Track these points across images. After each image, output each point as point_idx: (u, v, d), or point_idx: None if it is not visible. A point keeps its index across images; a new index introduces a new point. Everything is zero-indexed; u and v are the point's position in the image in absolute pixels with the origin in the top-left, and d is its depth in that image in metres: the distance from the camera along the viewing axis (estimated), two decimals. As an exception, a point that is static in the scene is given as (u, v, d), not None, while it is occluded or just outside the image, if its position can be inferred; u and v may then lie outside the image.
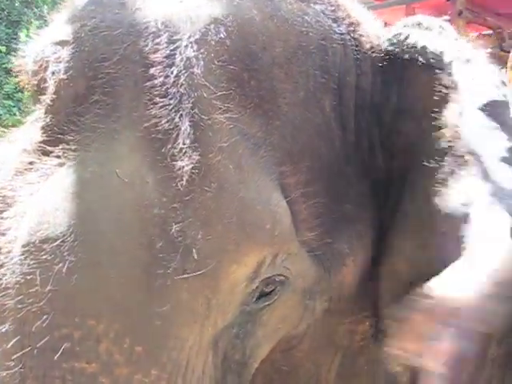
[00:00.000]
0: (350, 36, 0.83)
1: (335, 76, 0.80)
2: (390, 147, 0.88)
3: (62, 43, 0.78)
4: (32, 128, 0.81)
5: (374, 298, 0.87)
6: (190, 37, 0.74)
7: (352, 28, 0.85)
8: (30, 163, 0.75)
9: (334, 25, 0.82)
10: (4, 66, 13.22)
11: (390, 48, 0.88)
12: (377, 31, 0.92)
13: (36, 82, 0.84)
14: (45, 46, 0.82)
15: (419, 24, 1.23)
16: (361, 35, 0.86)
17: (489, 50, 1.48)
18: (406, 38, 0.88)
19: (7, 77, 13.46)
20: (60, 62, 0.77)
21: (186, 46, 0.74)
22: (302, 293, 0.78)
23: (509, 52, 1.52)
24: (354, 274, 0.83)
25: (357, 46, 0.84)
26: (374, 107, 0.86)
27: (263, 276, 0.72)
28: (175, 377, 0.66)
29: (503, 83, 1.07)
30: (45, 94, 0.80)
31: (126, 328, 0.65)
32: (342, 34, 0.81)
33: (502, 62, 1.55)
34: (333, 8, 0.84)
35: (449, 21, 1.12)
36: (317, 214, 0.78)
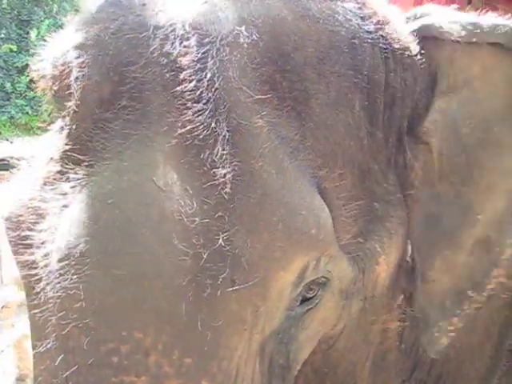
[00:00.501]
0: (378, 34, 0.83)
1: (365, 74, 0.80)
2: (416, 150, 0.89)
3: (84, 47, 0.76)
4: (57, 136, 0.78)
5: (406, 295, 0.90)
6: (222, 39, 0.71)
7: (379, 26, 0.85)
8: (60, 172, 0.73)
9: (363, 23, 0.81)
10: (15, 65, 13.31)
11: (418, 43, 0.88)
12: (403, 27, 0.92)
13: (56, 88, 0.81)
14: (65, 50, 0.78)
15: (428, 14, 1.23)
16: (388, 33, 0.86)
17: None
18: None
19: (19, 76, 13.58)
20: (83, 66, 0.74)
21: (219, 49, 0.71)
22: (340, 294, 0.79)
23: None
24: (387, 273, 0.83)
25: (385, 43, 0.84)
26: (402, 104, 0.86)
27: (307, 280, 0.72)
28: None
29: None
30: (66, 99, 0.77)
31: (175, 339, 0.64)
32: (370, 32, 0.82)
33: None
34: (359, 5, 0.84)
35: (458, 9, 1.11)
36: (351, 215, 0.78)
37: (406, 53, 0.86)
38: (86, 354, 0.64)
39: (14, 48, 12.71)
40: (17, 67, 13.58)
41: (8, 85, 13.35)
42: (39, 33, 13.13)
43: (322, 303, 0.76)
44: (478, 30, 0.89)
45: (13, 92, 13.51)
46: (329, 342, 0.81)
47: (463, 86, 0.89)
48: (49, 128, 0.87)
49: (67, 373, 0.64)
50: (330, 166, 0.76)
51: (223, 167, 0.67)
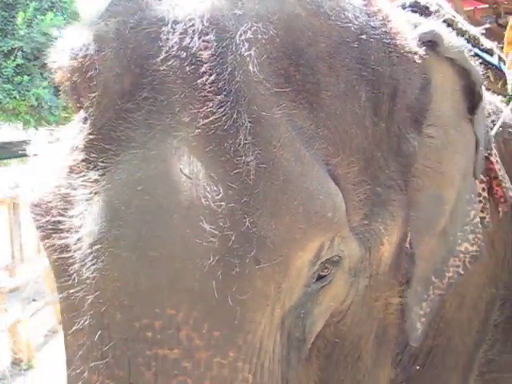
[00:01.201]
0: (382, 29, 0.88)
1: (370, 68, 0.85)
2: (418, 127, 0.96)
3: (105, 40, 0.78)
4: (80, 125, 0.80)
5: (406, 274, 0.97)
6: (241, 35, 0.74)
7: (384, 22, 0.90)
8: (86, 161, 0.76)
9: (369, 19, 0.86)
10: (1, 49, 13.12)
11: (418, 42, 0.96)
12: (405, 23, 1.00)
13: (77, 79, 0.83)
14: (85, 43, 0.80)
15: (417, 2, 1.28)
16: (391, 28, 0.91)
17: (486, 26, 1.50)
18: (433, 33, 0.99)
19: (5, 60, 13.39)
20: (105, 59, 0.77)
21: (238, 45, 0.74)
22: (349, 272, 0.84)
23: (505, 27, 1.53)
24: (389, 252, 0.90)
25: (388, 38, 0.89)
26: (404, 95, 0.92)
27: (323, 258, 0.77)
28: (250, 357, 0.71)
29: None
30: (86, 90, 0.80)
31: (205, 315, 0.69)
32: (375, 27, 0.86)
33: (498, 37, 1.55)
34: (365, 3, 0.88)
35: None
36: (360, 199, 0.83)
37: (406, 48, 0.92)
38: (122, 330, 0.69)
39: (0, 33, 12.54)
40: (3, 51, 13.39)
41: (-5, 70, 13.19)
42: (25, 16, 12.94)
43: (334, 280, 0.82)
44: (448, 45, 1.00)
45: (-1, 77, 13.35)
46: (338, 317, 0.87)
47: (435, 91, 1.00)
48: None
49: (104, 348, 0.69)
50: (341, 154, 0.81)
51: (246, 156, 0.71)
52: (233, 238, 0.68)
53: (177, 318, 0.68)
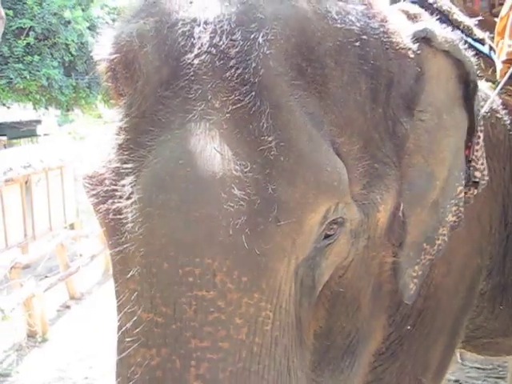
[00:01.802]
0: (380, 29, 1.02)
1: (370, 62, 0.98)
2: (410, 112, 1.10)
3: (146, 38, 0.91)
4: (125, 110, 0.93)
5: (399, 237, 1.11)
6: (263, 36, 0.88)
7: (382, 23, 1.03)
8: (132, 139, 0.89)
9: (369, 21, 1.00)
10: (12, 28, 13.16)
11: (412, 39, 1.10)
12: (400, 23, 1.14)
13: (117, 70, 0.96)
14: (127, 39, 0.94)
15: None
16: (388, 29, 1.04)
17: (479, 18, 1.57)
18: (424, 31, 1.12)
19: (16, 40, 13.45)
20: (147, 54, 0.90)
21: (261, 44, 0.88)
22: (350, 233, 0.98)
23: (497, 17, 1.60)
24: (384, 218, 1.04)
25: (386, 37, 1.03)
26: (398, 85, 1.06)
27: (329, 220, 0.91)
28: (271, 299, 0.86)
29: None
30: (129, 80, 0.94)
31: (235, 263, 0.83)
32: (375, 28, 1.00)
33: (491, 27, 1.61)
34: (367, 6, 1.02)
35: None
36: (360, 173, 0.97)
37: (401, 45, 1.06)
38: (168, 277, 0.83)
39: (11, 12, 12.56)
40: (13, 31, 13.42)
41: (5, 49, 13.23)
42: (34, -5, 12.96)
43: (338, 239, 0.95)
44: (441, 40, 1.13)
45: (10, 56, 13.40)
46: (341, 271, 1.01)
47: (429, 80, 1.13)
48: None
49: (152, 291, 0.83)
50: (344, 134, 0.95)
51: (268, 136, 0.85)
52: (258, 202, 0.83)
53: (213, 266, 0.82)
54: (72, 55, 16.24)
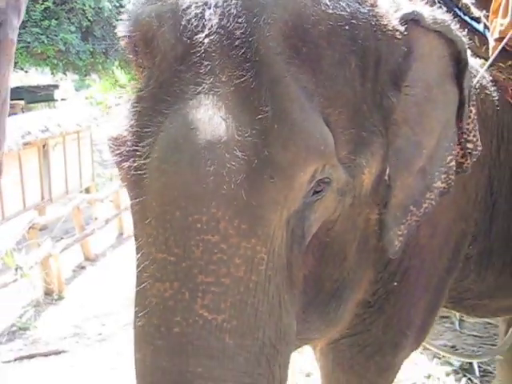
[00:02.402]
0: (370, 13, 1.12)
1: (359, 43, 1.10)
2: (397, 98, 1.21)
3: (163, 18, 1.04)
4: (145, 82, 1.07)
5: (383, 198, 1.23)
6: (264, 19, 1.00)
7: (371, 8, 1.13)
8: (151, 107, 1.03)
9: (359, 6, 1.10)
10: (30, -8, 13.15)
11: (399, 20, 1.20)
12: (389, 6, 1.22)
13: (138, 46, 1.10)
14: (146, 20, 1.07)
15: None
16: (377, 12, 1.15)
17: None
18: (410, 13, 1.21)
19: (33, 4, 13.46)
20: (164, 33, 1.03)
21: (262, 27, 1.00)
22: (337, 191, 1.10)
23: None
24: (369, 180, 1.16)
25: (374, 20, 1.13)
26: (386, 63, 1.17)
27: (317, 179, 1.03)
28: (266, 243, 0.99)
29: None
30: (148, 55, 1.07)
31: (236, 213, 0.96)
32: (364, 13, 1.11)
33: (488, 5, 1.66)
34: None
35: None
36: (346, 139, 1.08)
37: (389, 27, 1.16)
38: (179, 223, 0.97)
39: (28, -26, 12.56)
40: (31, -5, 13.43)
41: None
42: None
43: (326, 196, 1.08)
44: (431, 21, 1.23)
45: (28, 20, 13.42)
46: (329, 225, 1.14)
47: (420, 58, 1.23)
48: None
49: (166, 235, 0.97)
50: (333, 106, 1.06)
51: (266, 106, 0.98)
52: (255, 162, 0.96)
53: (217, 214, 0.96)
54: (89, 20, 16.23)
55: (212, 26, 1.01)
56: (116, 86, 26.73)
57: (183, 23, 1.02)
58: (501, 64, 1.65)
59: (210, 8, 1.02)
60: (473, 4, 1.71)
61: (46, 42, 14.34)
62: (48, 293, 5.51)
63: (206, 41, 1.00)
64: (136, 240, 1.04)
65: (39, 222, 5.80)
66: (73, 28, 15.68)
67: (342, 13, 1.06)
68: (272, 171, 0.96)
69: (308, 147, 0.98)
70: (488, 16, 1.68)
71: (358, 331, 1.57)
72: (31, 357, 4.37)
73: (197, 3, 1.03)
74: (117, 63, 20.58)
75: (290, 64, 1.01)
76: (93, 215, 7.83)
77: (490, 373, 3.30)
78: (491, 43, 1.64)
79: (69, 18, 15.61)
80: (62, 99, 14.42)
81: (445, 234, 1.60)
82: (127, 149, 1.03)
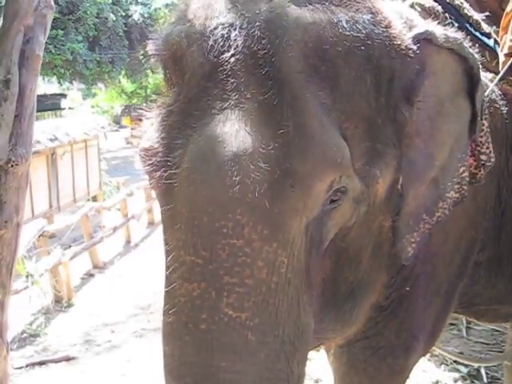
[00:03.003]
0: (384, 34, 1.19)
1: (374, 62, 1.16)
2: (409, 112, 1.27)
3: (192, 39, 1.12)
4: (174, 97, 1.14)
5: (396, 206, 1.29)
6: (286, 41, 1.07)
7: (386, 29, 1.20)
8: (180, 121, 1.10)
9: (374, 28, 1.17)
10: None
11: (412, 39, 1.25)
12: (402, 26, 1.27)
13: (168, 64, 1.19)
14: (176, 39, 1.15)
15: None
16: (391, 33, 1.21)
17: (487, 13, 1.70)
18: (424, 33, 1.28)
19: None
20: (193, 52, 1.11)
21: (284, 48, 1.07)
22: (353, 200, 1.16)
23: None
24: (383, 189, 1.22)
25: (389, 41, 1.20)
26: (399, 80, 1.23)
27: (334, 188, 1.10)
28: (286, 248, 1.06)
29: None
30: (178, 72, 1.15)
31: (259, 219, 1.03)
32: (379, 33, 1.18)
33: (499, 21, 1.72)
34: (372, 14, 1.19)
35: None
36: (362, 151, 1.14)
37: (402, 46, 1.23)
38: (207, 228, 1.04)
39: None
40: None
41: (31, 23, 13.39)
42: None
43: (342, 204, 1.14)
44: (444, 39, 1.30)
45: None
46: (345, 231, 1.21)
47: (433, 75, 1.30)
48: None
49: (195, 239, 1.04)
50: (350, 120, 1.13)
51: (287, 121, 1.04)
52: (277, 172, 1.03)
53: (242, 221, 1.03)
54: (96, 30, 16.39)
55: (237, 46, 1.08)
56: (122, 95, 26.97)
57: (210, 43, 1.09)
58: (510, 78, 1.70)
59: (235, 29, 1.09)
60: (483, 20, 1.77)
61: (53, 51, 14.48)
62: (58, 300, 5.57)
63: (232, 60, 1.07)
64: (166, 244, 1.11)
65: (49, 230, 5.86)
66: (80, 37, 15.83)
67: (358, 34, 1.13)
68: (292, 181, 1.03)
69: (325, 159, 1.05)
70: (498, 32, 1.74)
71: (371, 334, 1.63)
72: (42, 363, 4.41)
73: (223, 24, 1.10)
74: (123, 72, 20.75)
75: (310, 82, 1.08)
76: (100, 223, 7.89)
77: (498, 379, 3.33)
78: (501, 58, 1.70)
79: (76, 28, 15.76)
80: (70, 108, 14.53)
81: (455, 242, 1.66)
82: (158, 159, 1.10)
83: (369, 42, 1.15)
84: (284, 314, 1.06)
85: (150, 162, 1.12)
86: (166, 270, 1.09)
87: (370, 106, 1.17)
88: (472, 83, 1.36)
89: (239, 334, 1.02)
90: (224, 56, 1.08)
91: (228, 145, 1.03)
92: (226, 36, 1.09)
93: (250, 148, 1.02)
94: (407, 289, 1.58)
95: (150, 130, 1.15)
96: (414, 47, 1.24)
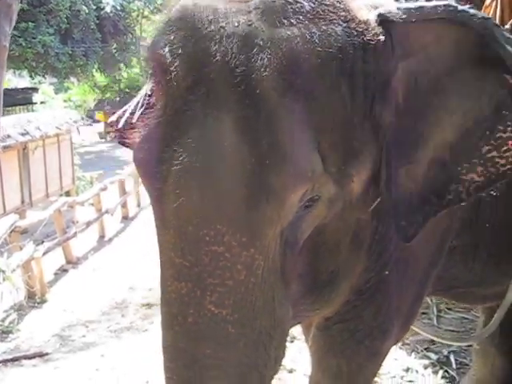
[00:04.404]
0: (358, 41, 1.21)
1: (347, 68, 1.20)
2: (385, 102, 1.28)
3: (174, 52, 1.17)
4: (161, 109, 1.20)
5: (373, 200, 1.33)
6: (262, 58, 1.13)
7: (360, 36, 1.22)
8: (167, 132, 1.17)
9: (347, 38, 1.20)
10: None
11: (384, 42, 1.24)
12: (372, 21, 1.26)
13: (155, 70, 1.25)
14: (161, 51, 1.20)
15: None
16: (366, 40, 1.22)
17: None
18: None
19: (11, 6, 13.31)
20: (175, 65, 1.16)
21: (260, 64, 1.12)
22: (328, 200, 1.23)
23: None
24: (358, 187, 1.28)
25: (362, 46, 1.22)
26: (374, 79, 1.25)
27: (307, 197, 1.18)
28: (262, 252, 1.15)
29: None
30: (162, 78, 1.20)
31: (238, 228, 1.12)
32: (353, 43, 1.21)
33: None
34: (346, 23, 1.21)
35: None
36: (339, 155, 1.20)
37: (375, 43, 1.23)
38: (192, 236, 1.13)
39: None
40: (8, -3, 13.26)
41: None
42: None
43: (316, 207, 1.22)
44: (424, 11, 1.25)
45: (5, 23, 13.28)
46: (322, 227, 1.28)
47: (419, 50, 1.27)
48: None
49: (182, 245, 1.14)
50: (326, 127, 1.18)
51: (262, 139, 1.11)
52: (254, 186, 1.11)
53: (222, 230, 1.12)
54: (68, 23, 16.11)
55: (217, 61, 1.14)
56: (95, 89, 26.62)
57: (192, 56, 1.16)
58: None
59: (215, 44, 1.15)
60: None
61: (24, 44, 14.21)
62: (31, 296, 5.51)
63: (212, 75, 1.14)
64: (159, 244, 1.23)
65: (21, 226, 5.78)
66: (51, 30, 15.54)
67: (331, 48, 1.18)
68: (267, 194, 1.12)
69: (296, 174, 1.13)
70: None
71: (349, 317, 1.73)
72: (15, 360, 4.37)
73: (204, 37, 1.16)
74: (96, 66, 20.48)
75: (285, 97, 1.14)
76: (73, 219, 7.81)
77: (466, 365, 3.41)
78: None
79: (47, 20, 15.48)
80: (41, 102, 14.28)
81: (431, 229, 1.69)
82: (149, 170, 1.20)
83: (341, 53, 1.19)
84: (260, 309, 1.18)
85: (142, 172, 1.23)
86: (160, 267, 1.21)
87: (346, 110, 1.21)
88: (487, 48, 1.24)
89: (221, 327, 1.15)
90: (205, 70, 1.15)
91: (208, 160, 1.12)
92: (206, 50, 1.15)
93: (229, 164, 1.11)
94: (386, 273, 1.66)
95: (141, 141, 1.24)
96: (382, 38, 1.23)
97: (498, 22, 1.74)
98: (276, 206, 1.12)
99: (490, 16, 1.75)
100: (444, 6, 1.25)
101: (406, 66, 1.27)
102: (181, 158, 1.13)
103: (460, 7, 1.25)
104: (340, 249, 1.39)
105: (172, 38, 1.19)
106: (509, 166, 1.31)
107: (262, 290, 1.17)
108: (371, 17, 1.25)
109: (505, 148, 1.30)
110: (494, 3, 1.81)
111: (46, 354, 4.47)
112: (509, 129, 1.29)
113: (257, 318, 1.18)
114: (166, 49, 1.19)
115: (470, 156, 1.32)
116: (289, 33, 1.16)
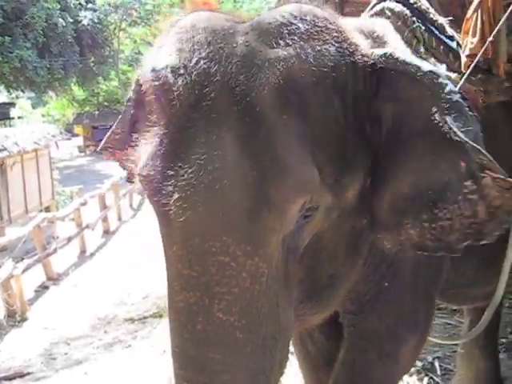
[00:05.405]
0: (350, 60, 1.30)
1: (340, 86, 1.28)
2: (376, 118, 1.36)
3: (177, 72, 1.23)
4: (163, 127, 1.24)
5: (369, 208, 1.40)
6: (260, 78, 1.20)
7: (352, 56, 1.30)
8: (171, 150, 1.21)
9: (341, 58, 1.28)
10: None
11: (375, 62, 1.34)
12: (369, 46, 1.37)
13: (156, 92, 1.28)
14: (163, 72, 1.25)
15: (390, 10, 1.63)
16: (357, 59, 1.31)
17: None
18: (387, 56, 1.34)
19: (-14, 21, 13.12)
20: (178, 85, 1.22)
21: (258, 84, 1.19)
22: (325, 210, 1.29)
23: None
24: (352, 195, 1.35)
25: (354, 67, 1.31)
26: (363, 99, 1.34)
27: (306, 207, 1.24)
28: (266, 260, 1.21)
29: None
30: (165, 103, 1.24)
31: (242, 239, 1.18)
32: (346, 62, 1.29)
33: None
34: (339, 44, 1.29)
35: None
36: (334, 166, 1.27)
37: (367, 70, 1.33)
38: (198, 248, 1.19)
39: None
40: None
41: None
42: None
43: (315, 216, 1.29)
44: (418, 71, 1.32)
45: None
46: (320, 234, 1.35)
47: (407, 100, 1.35)
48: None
49: (189, 256, 1.20)
50: (321, 143, 1.25)
51: (263, 154, 1.17)
52: (256, 199, 1.17)
53: (228, 241, 1.18)
54: (45, 36, 15.98)
55: (217, 81, 1.21)
56: (73, 103, 26.43)
57: (194, 77, 1.22)
58: (472, 77, 1.79)
59: (215, 64, 1.22)
60: (447, 24, 1.90)
61: (0, 59, 14.05)
62: (10, 315, 5.41)
63: (213, 95, 1.21)
64: (166, 257, 1.28)
65: (0, 243, 5.68)
66: (28, 44, 15.41)
67: (324, 67, 1.25)
68: (269, 206, 1.18)
69: (296, 187, 1.19)
70: (460, 35, 1.87)
71: (354, 325, 1.82)
72: (-5, 380, 4.28)
73: (205, 58, 1.23)
74: (74, 80, 20.34)
75: (283, 114, 1.20)
76: (53, 234, 7.71)
77: (451, 371, 3.43)
78: (463, 59, 1.83)
79: (24, 34, 15.34)
80: (19, 117, 14.12)
81: None
82: (155, 186, 1.24)
83: (334, 72, 1.27)
84: (266, 314, 1.25)
85: (148, 188, 1.26)
86: (168, 279, 1.26)
87: (340, 124, 1.29)
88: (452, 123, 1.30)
89: (229, 333, 1.21)
90: (206, 90, 1.21)
91: (212, 176, 1.17)
92: (206, 71, 1.22)
93: (231, 178, 1.17)
94: (386, 284, 1.72)
95: (145, 157, 1.27)
96: (373, 69, 1.33)
97: (478, 35, 1.81)
98: (277, 216, 1.19)
99: (471, 28, 1.80)
100: (431, 71, 1.31)
101: (391, 108, 1.36)
102: (185, 174, 1.19)
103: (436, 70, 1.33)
104: (338, 253, 1.45)
105: (173, 59, 1.25)
106: (436, 244, 1.37)
107: (266, 297, 1.23)
108: (375, 52, 1.34)
109: (438, 224, 1.34)
110: (475, 15, 1.86)
111: (28, 373, 4.39)
112: (444, 211, 1.33)
113: (263, 324, 1.25)
114: (168, 69, 1.25)
115: (415, 216, 1.36)
116: (285, 53, 1.23)
